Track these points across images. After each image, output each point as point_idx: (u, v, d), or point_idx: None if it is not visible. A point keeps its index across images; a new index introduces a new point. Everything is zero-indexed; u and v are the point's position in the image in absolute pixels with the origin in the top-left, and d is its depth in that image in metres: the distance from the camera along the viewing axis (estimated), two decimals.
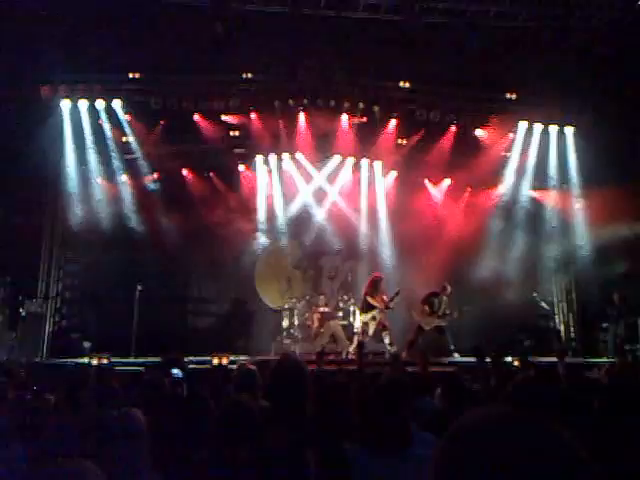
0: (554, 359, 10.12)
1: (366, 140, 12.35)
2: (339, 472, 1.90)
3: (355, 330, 10.88)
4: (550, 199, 12.76)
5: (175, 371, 5.39)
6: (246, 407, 1.98)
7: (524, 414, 0.85)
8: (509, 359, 7.85)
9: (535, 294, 11.65)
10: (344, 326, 11.10)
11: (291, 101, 11.76)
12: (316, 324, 11.11)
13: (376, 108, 11.99)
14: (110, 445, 2.35)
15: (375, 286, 10.55)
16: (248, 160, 12.57)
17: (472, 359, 8.50)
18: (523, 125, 12.22)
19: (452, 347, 10.31)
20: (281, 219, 12.80)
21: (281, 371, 2.26)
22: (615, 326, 10.71)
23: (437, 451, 0.88)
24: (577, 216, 12.29)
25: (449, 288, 10.65)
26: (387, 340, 10.48)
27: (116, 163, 11.94)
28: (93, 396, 4.02)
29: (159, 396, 3.28)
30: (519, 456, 0.79)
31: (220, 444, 1.86)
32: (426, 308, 10.49)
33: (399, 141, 12.39)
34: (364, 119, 12.17)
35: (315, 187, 12.91)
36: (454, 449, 0.86)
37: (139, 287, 10.42)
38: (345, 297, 11.60)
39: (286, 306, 11.61)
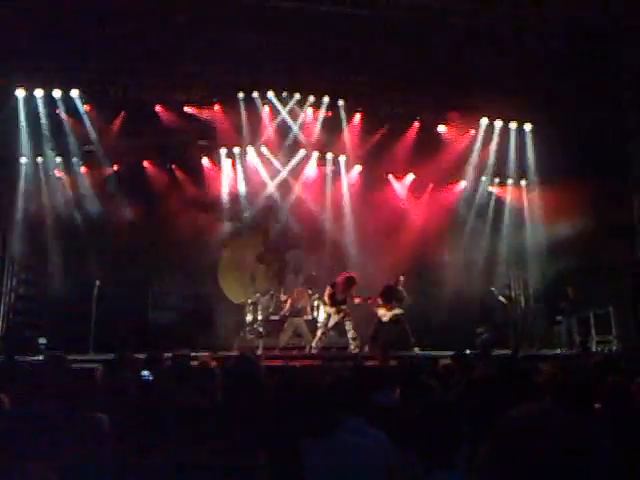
0: (511, 351, 10.48)
1: (331, 134, 12.38)
2: (291, 467, 1.92)
3: (318, 324, 10.93)
4: (509, 195, 13.10)
5: (145, 373, 5.27)
6: (200, 407, 1.97)
7: (567, 413, 0.89)
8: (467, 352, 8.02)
9: (493, 288, 11.95)
10: (308, 321, 11.14)
11: (255, 93, 11.68)
12: (288, 309, 11.11)
13: (341, 102, 12.03)
14: (72, 449, 2.28)
15: (347, 286, 10.40)
16: (211, 153, 12.42)
17: (432, 353, 8.69)
18: (484, 122, 12.47)
19: (412, 340, 10.46)
20: (245, 212, 12.74)
21: (235, 372, 2.27)
22: (569, 319, 11.10)
23: (484, 448, 0.90)
24: (534, 211, 12.66)
25: (402, 278, 10.81)
26: (350, 335, 10.56)
27: (74, 154, 11.62)
28: (49, 396, 3.91)
29: (122, 398, 3.20)
30: (561, 454, 0.83)
31: (175, 446, 1.86)
32: (379, 301, 10.65)
33: (363, 136, 12.46)
34: (329, 113, 12.19)
35: (280, 181, 12.87)
36: (501, 446, 0.88)
37: (97, 282, 10.19)
38: (309, 292, 11.62)
39: (249, 301, 11.55)
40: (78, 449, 2.26)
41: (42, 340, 10.08)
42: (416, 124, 12.32)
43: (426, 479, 2.02)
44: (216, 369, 3.91)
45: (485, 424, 2.34)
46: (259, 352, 9.80)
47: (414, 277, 11.30)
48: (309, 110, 12.08)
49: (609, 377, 3.04)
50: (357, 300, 10.46)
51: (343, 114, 12.13)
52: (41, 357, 8.60)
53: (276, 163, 12.68)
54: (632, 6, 9.66)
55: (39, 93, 10.92)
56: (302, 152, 12.62)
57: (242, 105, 11.70)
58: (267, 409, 2.43)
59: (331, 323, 10.58)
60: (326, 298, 10.48)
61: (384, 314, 10.62)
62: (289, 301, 11.17)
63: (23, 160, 11.30)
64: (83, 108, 11.19)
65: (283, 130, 12.32)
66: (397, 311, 10.58)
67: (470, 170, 12.89)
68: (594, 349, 10.76)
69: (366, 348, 10.33)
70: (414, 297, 10.74)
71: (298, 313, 11.04)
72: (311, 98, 11.92)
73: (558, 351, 10.71)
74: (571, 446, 0.83)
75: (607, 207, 10.63)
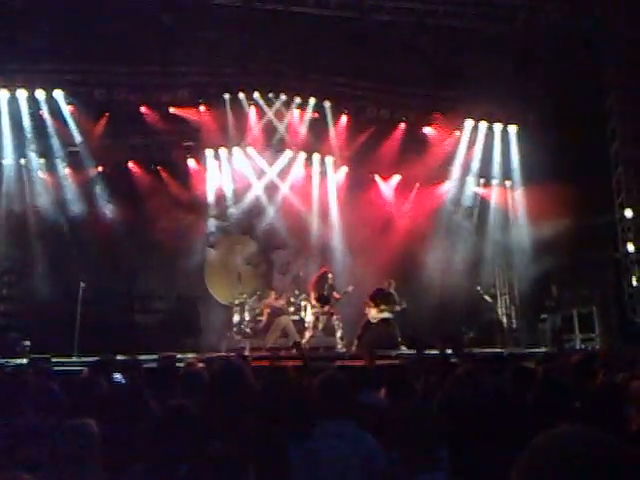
0: (497, 349, 10.59)
1: (318, 135, 12.41)
2: (279, 471, 1.93)
3: (306, 325, 10.95)
4: (494, 195, 13.23)
5: (117, 376, 5.18)
6: (186, 415, 1.96)
7: (602, 436, 0.83)
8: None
9: (478, 287, 12.05)
10: (295, 321, 11.14)
11: (241, 94, 11.66)
12: (267, 319, 11.12)
13: (327, 104, 12.06)
14: (59, 458, 2.24)
15: (322, 281, 10.63)
16: (198, 154, 12.37)
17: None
18: (469, 123, 12.57)
19: (399, 339, 10.46)
20: (232, 214, 12.70)
21: (219, 378, 2.26)
22: (553, 317, 11.23)
23: (516, 470, 0.85)
24: (519, 212, 12.79)
25: (393, 283, 10.84)
26: (338, 334, 10.60)
27: (58, 155, 11.51)
28: (31, 401, 3.86)
29: (96, 401, 3.16)
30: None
31: (158, 456, 1.84)
32: (370, 303, 10.68)
33: (350, 137, 12.50)
34: (316, 114, 12.21)
35: (266, 182, 12.86)
36: (533, 470, 0.83)
37: (82, 284, 10.09)
38: (296, 292, 11.64)
39: (237, 302, 11.52)
40: (66, 457, 2.21)
41: (26, 343, 9.94)
42: (402, 125, 12.39)
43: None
44: (202, 371, 3.90)
45: (466, 425, 2.37)
46: (246, 352, 9.79)
47: (400, 277, 11.34)
48: (295, 111, 12.09)
49: (598, 376, 3.07)
50: (337, 296, 10.51)
51: (329, 115, 12.16)
52: (25, 360, 8.51)
53: (262, 164, 12.67)
54: (615, 10, 9.81)
55: (22, 94, 10.81)
56: (289, 153, 12.63)
57: (228, 106, 11.67)
58: (254, 411, 2.42)
59: (320, 325, 10.61)
60: (313, 301, 10.53)
61: (374, 317, 10.64)
62: (265, 311, 11.16)
63: (6, 161, 11.16)
64: (67, 109, 11.09)
65: (269, 131, 12.31)
66: (386, 315, 10.59)
67: (455, 171, 13.00)
68: (578, 347, 10.90)
69: (353, 348, 10.36)
70: (405, 300, 10.73)
71: (282, 313, 11.05)
72: (297, 99, 11.93)
73: (543, 349, 10.82)
74: None
75: (590, 208, 10.77)
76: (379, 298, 10.63)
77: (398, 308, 10.60)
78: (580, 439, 0.85)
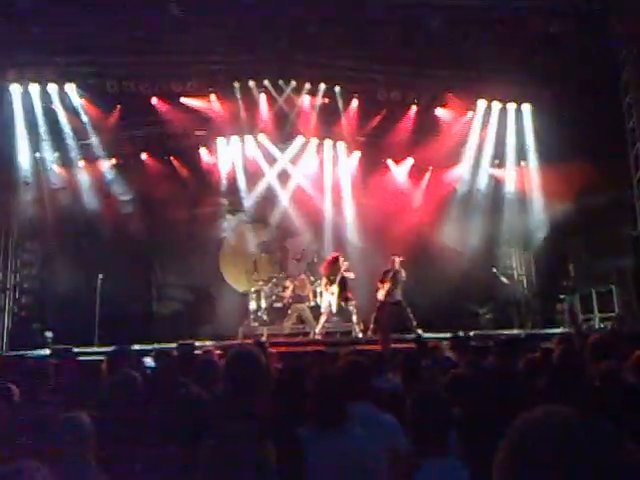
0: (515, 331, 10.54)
1: (329, 121, 12.33)
2: (293, 458, 1.96)
3: (322, 310, 10.99)
4: (509, 176, 13.05)
5: (147, 360, 5.30)
6: (198, 400, 1.99)
7: (588, 417, 0.83)
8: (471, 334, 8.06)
9: (494, 269, 11.96)
10: (311, 307, 11.20)
11: (251, 82, 11.62)
12: (285, 303, 11.20)
13: (337, 89, 11.95)
14: (55, 450, 2.27)
15: (333, 266, 10.61)
16: (209, 143, 12.40)
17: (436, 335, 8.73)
18: (482, 104, 12.34)
19: (415, 323, 10.35)
20: (245, 202, 12.75)
21: (234, 365, 2.29)
22: (571, 297, 11.12)
23: (499, 453, 0.84)
24: (534, 191, 12.61)
25: (397, 259, 10.61)
26: (354, 319, 10.62)
27: (72, 149, 11.62)
28: (54, 391, 3.97)
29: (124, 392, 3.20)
30: (582, 460, 0.77)
31: (175, 440, 1.88)
32: (379, 284, 10.62)
33: (361, 121, 12.40)
34: (326, 100, 12.12)
35: (279, 169, 12.86)
36: (515, 451, 0.83)
37: (100, 276, 10.25)
38: (312, 278, 11.68)
39: (253, 289, 11.62)
40: (60, 450, 2.24)
41: (48, 334, 10.17)
42: (414, 108, 12.23)
43: (421, 468, 2.05)
44: (219, 359, 3.96)
45: (473, 409, 2.38)
46: (264, 339, 9.89)
47: (415, 260, 11.27)
48: (306, 97, 12.01)
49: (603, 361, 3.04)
50: (350, 275, 10.50)
51: (340, 100, 12.06)
52: (48, 351, 8.71)
53: (274, 151, 12.66)
54: None
55: (34, 88, 10.89)
56: (300, 140, 12.59)
57: (239, 94, 11.64)
58: (270, 400, 2.45)
59: (334, 309, 10.63)
60: (324, 286, 10.53)
61: (382, 295, 10.58)
62: (291, 287, 11.25)
63: (21, 156, 11.30)
64: (79, 102, 11.16)
65: (280, 118, 12.27)
66: (395, 292, 10.48)
67: (469, 152, 12.82)
68: (597, 326, 10.81)
69: (369, 332, 10.38)
70: (414, 279, 10.64)
71: (301, 300, 11.11)
72: (307, 85, 11.84)
73: (561, 330, 10.74)
74: (601, 462, 0.77)
75: (607, 185, 10.58)
76: (384, 276, 10.56)
77: (410, 284, 10.48)
78: (553, 421, 0.84)
